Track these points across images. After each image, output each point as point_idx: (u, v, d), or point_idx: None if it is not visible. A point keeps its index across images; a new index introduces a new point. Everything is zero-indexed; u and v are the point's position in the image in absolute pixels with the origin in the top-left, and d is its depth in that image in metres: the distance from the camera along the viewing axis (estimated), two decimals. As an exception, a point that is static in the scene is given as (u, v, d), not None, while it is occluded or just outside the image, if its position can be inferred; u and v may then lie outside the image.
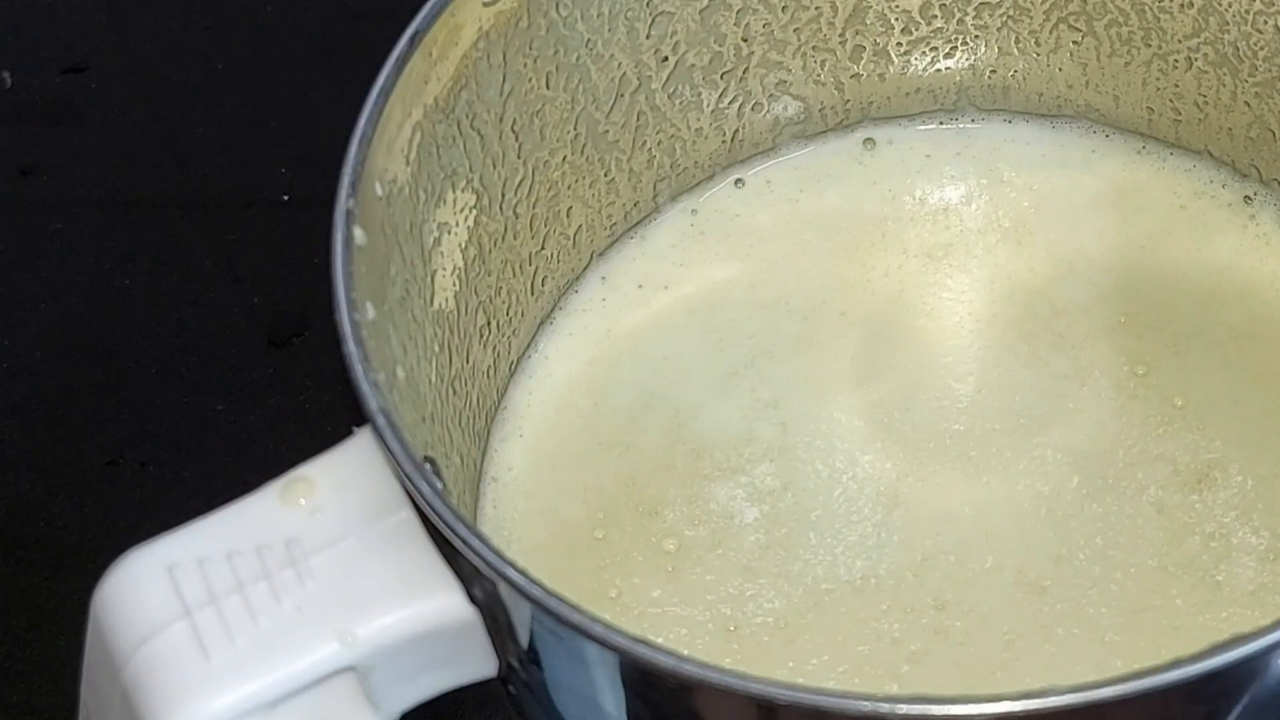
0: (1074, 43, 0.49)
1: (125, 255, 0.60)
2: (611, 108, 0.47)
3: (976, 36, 0.50)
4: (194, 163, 0.62)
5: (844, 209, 0.50)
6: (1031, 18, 0.49)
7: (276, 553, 0.37)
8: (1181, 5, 0.47)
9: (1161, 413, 0.46)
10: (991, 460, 0.45)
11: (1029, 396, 0.46)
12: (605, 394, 0.47)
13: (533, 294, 0.47)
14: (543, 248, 0.47)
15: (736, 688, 0.33)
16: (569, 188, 0.47)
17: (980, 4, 0.49)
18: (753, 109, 0.50)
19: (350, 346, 0.37)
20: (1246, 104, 0.48)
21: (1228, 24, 0.47)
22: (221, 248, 0.60)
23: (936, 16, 0.49)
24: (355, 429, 0.38)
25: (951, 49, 0.50)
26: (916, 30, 0.50)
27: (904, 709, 0.33)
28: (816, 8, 0.49)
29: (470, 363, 0.45)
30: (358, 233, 0.39)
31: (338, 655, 0.37)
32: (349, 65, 0.62)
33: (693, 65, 0.48)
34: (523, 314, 0.47)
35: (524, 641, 0.37)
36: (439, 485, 0.37)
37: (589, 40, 0.46)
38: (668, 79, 0.48)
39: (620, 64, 0.47)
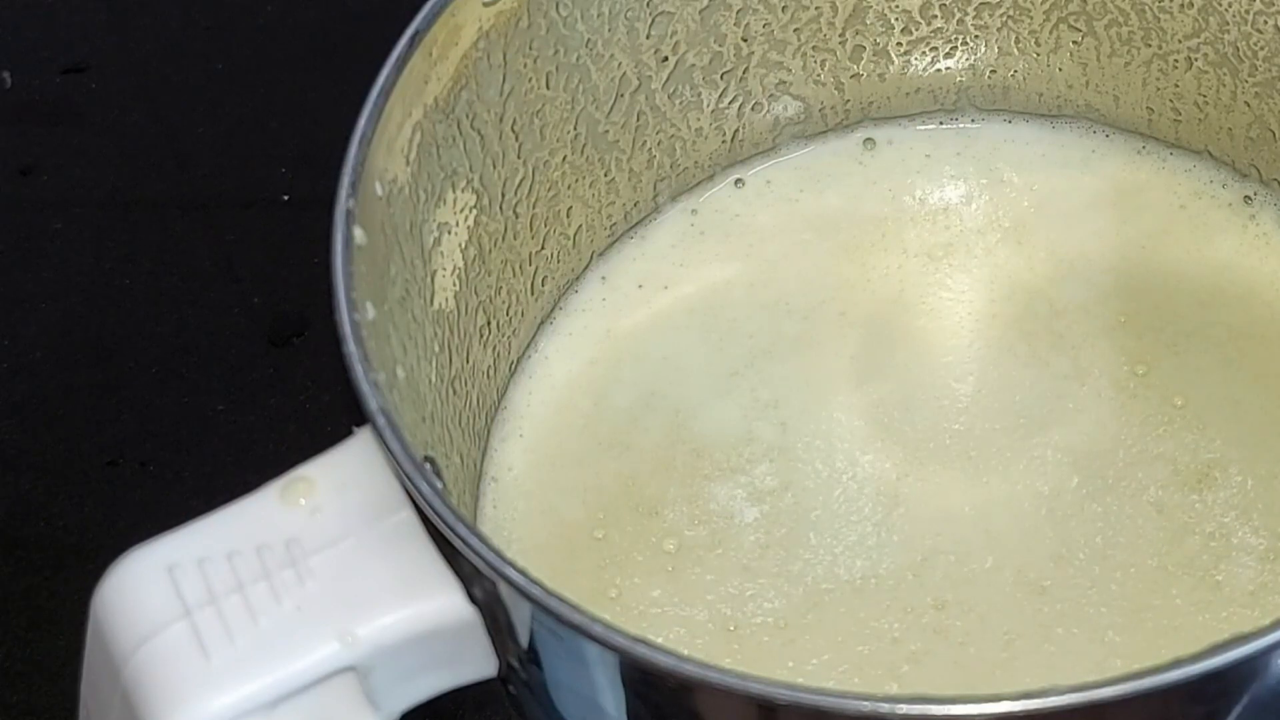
0: (1074, 43, 0.49)
1: (125, 255, 0.60)
2: (611, 108, 0.47)
3: (976, 36, 0.50)
4: (194, 163, 0.62)
5: (844, 209, 0.50)
6: (1031, 18, 0.49)
7: (276, 553, 0.37)
8: (1181, 5, 0.47)
9: (1161, 413, 0.46)
10: (991, 460, 0.45)
11: (1029, 396, 0.46)
12: (605, 394, 0.47)
13: (533, 294, 0.47)
14: (543, 248, 0.47)
15: (736, 688, 0.33)
16: (569, 188, 0.47)
17: (980, 4, 0.49)
18: (753, 109, 0.50)
19: (350, 346, 0.37)
20: (1246, 104, 0.48)
21: (1228, 24, 0.47)
22: (221, 248, 0.60)
23: (936, 16, 0.49)
24: (355, 429, 0.38)
25: (951, 49, 0.50)
26: (916, 30, 0.50)
27: (904, 709, 0.33)
28: (816, 8, 0.49)
29: (470, 363, 0.45)
30: (358, 233, 0.39)
31: (338, 655, 0.37)
32: (349, 65, 0.62)
33: (693, 65, 0.48)
34: (523, 314, 0.47)
35: (524, 641, 0.37)
36: (439, 485, 0.37)
37: (589, 40, 0.46)
38: (668, 79, 0.48)
39: (620, 64, 0.47)
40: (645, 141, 0.48)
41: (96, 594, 0.38)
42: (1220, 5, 0.47)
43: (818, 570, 0.44)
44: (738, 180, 0.50)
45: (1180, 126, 0.49)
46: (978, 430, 0.46)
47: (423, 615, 0.37)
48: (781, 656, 0.43)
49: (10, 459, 0.57)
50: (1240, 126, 0.48)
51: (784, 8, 0.48)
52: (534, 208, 0.47)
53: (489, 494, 0.46)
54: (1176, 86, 0.49)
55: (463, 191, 0.44)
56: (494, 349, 0.46)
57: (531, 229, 0.47)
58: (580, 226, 0.48)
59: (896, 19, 0.49)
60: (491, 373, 0.46)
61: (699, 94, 0.49)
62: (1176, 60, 0.48)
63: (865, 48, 0.50)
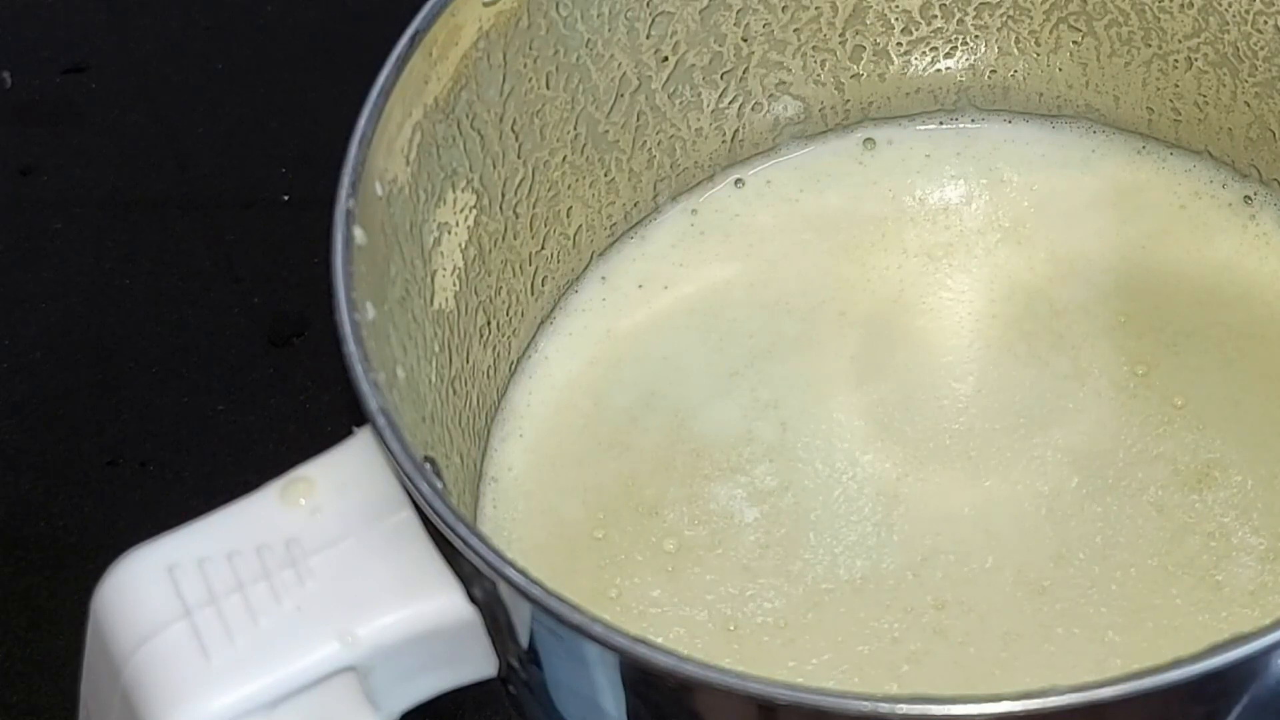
0: (1074, 43, 0.49)
1: (125, 255, 0.60)
2: (611, 108, 0.47)
3: (976, 36, 0.50)
4: (194, 163, 0.62)
5: (844, 209, 0.50)
6: (1031, 18, 0.49)
7: (276, 553, 0.37)
8: (1181, 5, 0.47)
9: (1161, 413, 0.46)
10: (991, 460, 0.45)
11: (1029, 396, 0.46)
12: (605, 394, 0.47)
13: (533, 294, 0.47)
14: (543, 248, 0.47)
15: (736, 688, 0.33)
16: (569, 188, 0.47)
17: (980, 4, 0.49)
18: (753, 109, 0.50)
19: (350, 346, 0.37)
20: (1246, 104, 0.48)
21: (1228, 24, 0.47)
22: (221, 248, 0.60)
23: (936, 16, 0.49)
24: (355, 429, 0.38)
25: (951, 49, 0.50)
26: (916, 30, 0.50)
27: (904, 709, 0.33)
28: (816, 8, 0.49)
29: (470, 363, 0.45)
30: (358, 233, 0.39)
31: (338, 655, 0.37)
32: (349, 65, 0.62)
33: (693, 65, 0.48)
34: (523, 314, 0.47)
35: (524, 641, 0.37)
36: (439, 485, 0.37)
37: (589, 40, 0.46)
38: (668, 79, 0.48)
39: (620, 64, 0.47)
40: (645, 141, 0.48)
41: (96, 594, 0.38)
42: (1220, 5, 0.47)
43: (818, 570, 0.44)
44: (738, 180, 0.50)
45: (1180, 126, 0.49)
46: (978, 430, 0.46)
47: (423, 615, 0.37)
48: (781, 656, 0.43)
49: (10, 459, 0.57)
50: (1240, 126, 0.48)
51: (784, 8, 0.48)
52: (534, 208, 0.47)
53: (489, 494, 0.46)
54: (1176, 86, 0.49)
55: (463, 191, 0.44)
56: (494, 349, 0.46)
57: (531, 229, 0.47)
58: (580, 226, 0.48)
59: (896, 19, 0.49)
60: (491, 373, 0.46)
61: (699, 94, 0.49)
62: (1176, 60, 0.48)
63: (865, 48, 0.50)
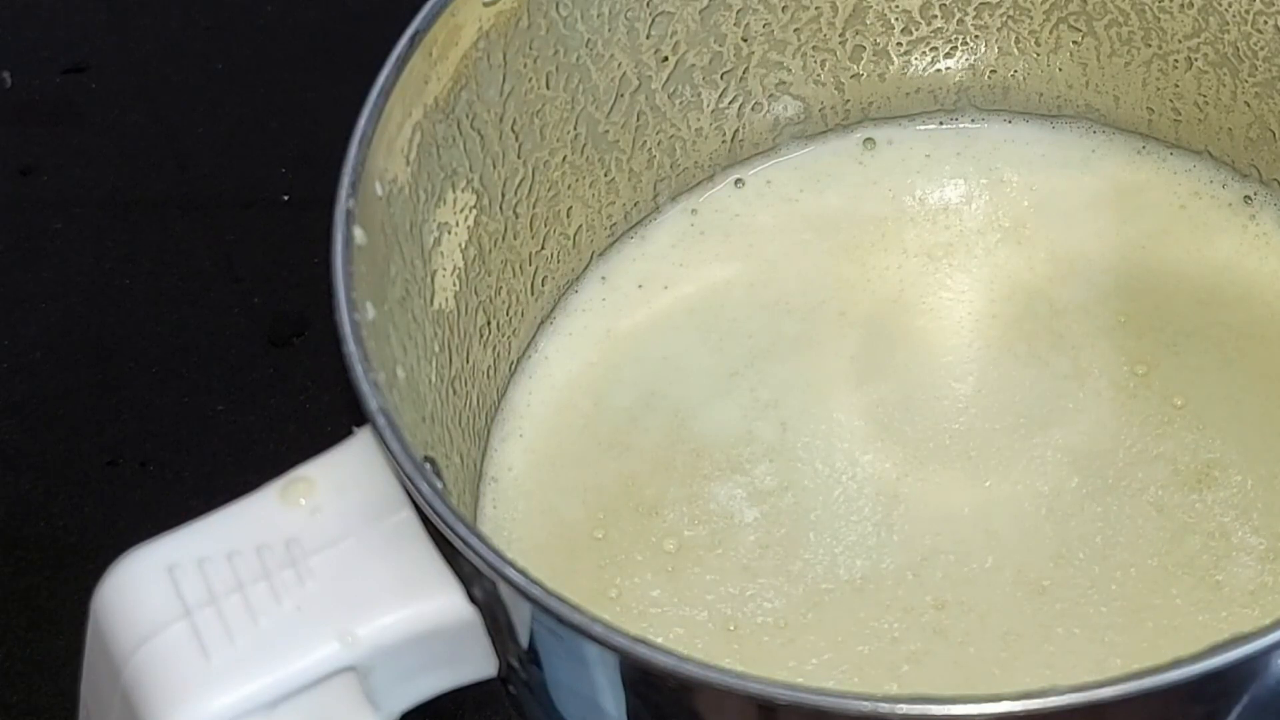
0: (1074, 43, 0.49)
1: (125, 255, 0.60)
2: (611, 108, 0.47)
3: (976, 36, 0.50)
4: (194, 163, 0.62)
5: (844, 209, 0.50)
6: (1031, 18, 0.49)
7: (276, 553, 0.37)
8: (1181, 5, 0.47)
9: (1161, 413, 0.46)
10: (991, 460, 0.45)
11: (1029, 396, 0.46)
12: (605, 394, 0.47)
13: (533, 294, 0.47)
14: (543, 248, 0.47)
15: (736, 688, 0.33)
16: (569, 188, 0.47)
17: (980, 4, 0.49)
18: (753, 109, 0.50)
19: (350, 346, 0.37)
20: (1246, 104, 0.48)
21: (1228, 24, 0.47)
22: (221, 248, 0.60)
23: (936, 16, 0.49)
24: (355, 429, 0.38)
25: (951, 49, 0.50)
26: (916, 30, 0.50)
27: (904, 709, 0.33)
28: (816, 8, 0.49)
29: (470, 363, 0.45)
30: (358, 233, 0.39)
31: (338, 655, 0.37)
32: (349, 65, 0.62)
33: (693, 65, 0.48)
34: (523, 314, 0.47)
35: (524, 641, 0.37)
36: (439, 485, 0.37)
37: (589, 40, 0.46)
38: (668, 79, 0.48)
39: (620, 64, 0.47)
40: (645, 141, 0.48)
41: (96, 594, 0.38)
42: (1220, 5, 0.47)
43: (818, 570, 0.44)
44: (738, 180, 0.50)
45: (1180, 126, 0.49)
46: (978, 430, 0.46)
47: (423, 615, 0.37)
48: (781, 656, 0.43)
49: (10, 459, 0.57)
50: (1240, 126, 0.48)
51: (784, 8, 0.48)
52: (534, 208, 0.47)
53: (489, 494, 0.46)
54: (1176, 86, 0.49)
55: (463, 191, 0.44)
56: (494, 349, 0.46)
57: (531, 229, 0.47)
58: (580, 226, 0.48)
59: (896, 19, 0.49)
60: (491, 373, 0.46)
61: (699, 94, 0.49)
62: (1176, 60, 0.48)
63: (865, 48, 0.50)
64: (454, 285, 0.44)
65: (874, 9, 0.49)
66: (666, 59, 0.48)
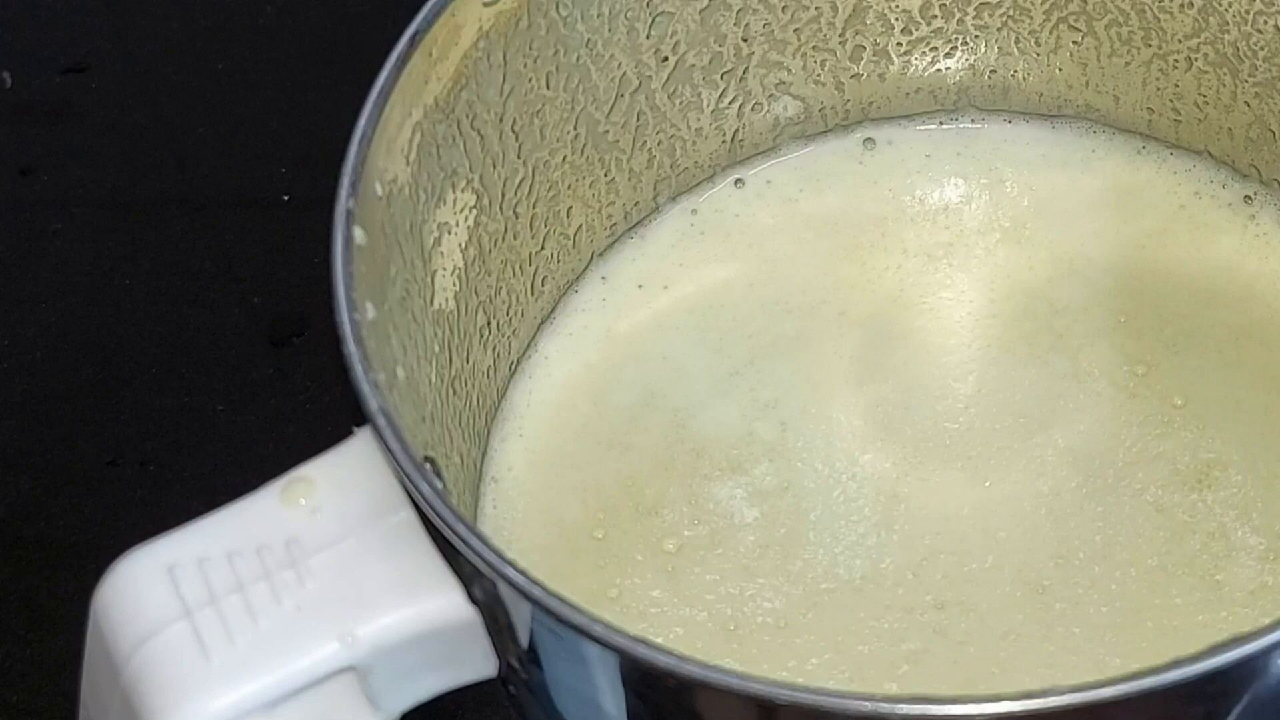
0: (1074, 43, 0.49)
1: (125, 255, 0.60)
2: (611, 108, 0.47)
3: (976, 36, 0.50)
4: (194, 163, 0.62)
5: (844, 209, 0.50)
6: (1031, 18, 0.49)
7: (276, 553, 0.37)
8: (1181, 5, 0.47)
9: (1161, 412, 0.46)
10: (991, 460, 0.45)
11: (1029, 396, 0.46)
12: (605, 394, 0.47)
13: (533, 294, 0.47)
14: (543, 248, 0.47)
15: (736, 688, 0.33)
16: (569, 188, 0.47)
17: (980, 4, 0.49)
18: (753, 109, 0.50)
19: (350, 346, 0.37)
20: (1246, 104, 0.48)
21: (1228, 24, 0.47)
22: (221, 248, 0.60)
23: (936, 16, 0.49)
24: (355, 429, 0.38)
25: (951, 49, 0.50)
26: (916, 30, 0.50)
27: (904, 709, 0.33)
28: (816, 8, 0.49)
29: (470, 363, 0.45)
30: (358, 233, 0.39)
31: (338, 655, 0.37)
32: (349, 65, 0.62)
33: (693, 65, 0.48)
34: (523, 314, 0.47)
35: (524, 641, 0.37)
36: (439, 485, 0.37)
37: (589, 40, 0.46)
38: (668, 79, 0.48)
39: (620, 64, 0.47)
40: (645, 141, 0.48)
41: (96, 594, 0.38)
42: (1220, 5, 0.47)
43: (817, 570, 0.44)
44: (738, 180, 0.50)
45: (1180, 126, 0.49)
46: (977, 430, 0.46)
47: (423, 615, 0.37)
48: (781, 656, 0.43)
49: (10, 459, 0.56)
50: (1240, 126, 0.48)
51: (784, 8, 0.48)
52: (534, 208, 0.47)
53: (489, 494, 0.46)
54: (1176, 86, 0.49)
55: (463, 191, 0.44)
56: (494, 349, 0.46)
57: (531, 229, 0.47)
58: (580, 226, 0.48)
59: (896, 19, 0.49)
60: (491, 373, 0.46)
61: (699, 94, 0.49)
62: (1176, 60, 0.48)
63: (865, 48, 0.50)
64: (454, 285, 0.44)
65: (874, 9, 0.49)
66: (666, 59, 0.48)
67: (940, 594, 0.43)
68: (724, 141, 0.50)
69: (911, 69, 0.50)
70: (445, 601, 0.37)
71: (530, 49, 0.44)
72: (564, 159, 0.47)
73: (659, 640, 0.37)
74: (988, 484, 0.45)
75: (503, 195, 0.45)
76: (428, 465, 0.40)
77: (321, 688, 0.37)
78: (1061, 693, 0.33)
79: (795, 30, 0.49)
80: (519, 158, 0.46)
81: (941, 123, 0.51)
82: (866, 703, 0.33)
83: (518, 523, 0.45)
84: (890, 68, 0.50)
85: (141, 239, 0.61)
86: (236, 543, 0.38)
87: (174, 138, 0.63)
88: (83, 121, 0.63)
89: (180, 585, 0.37)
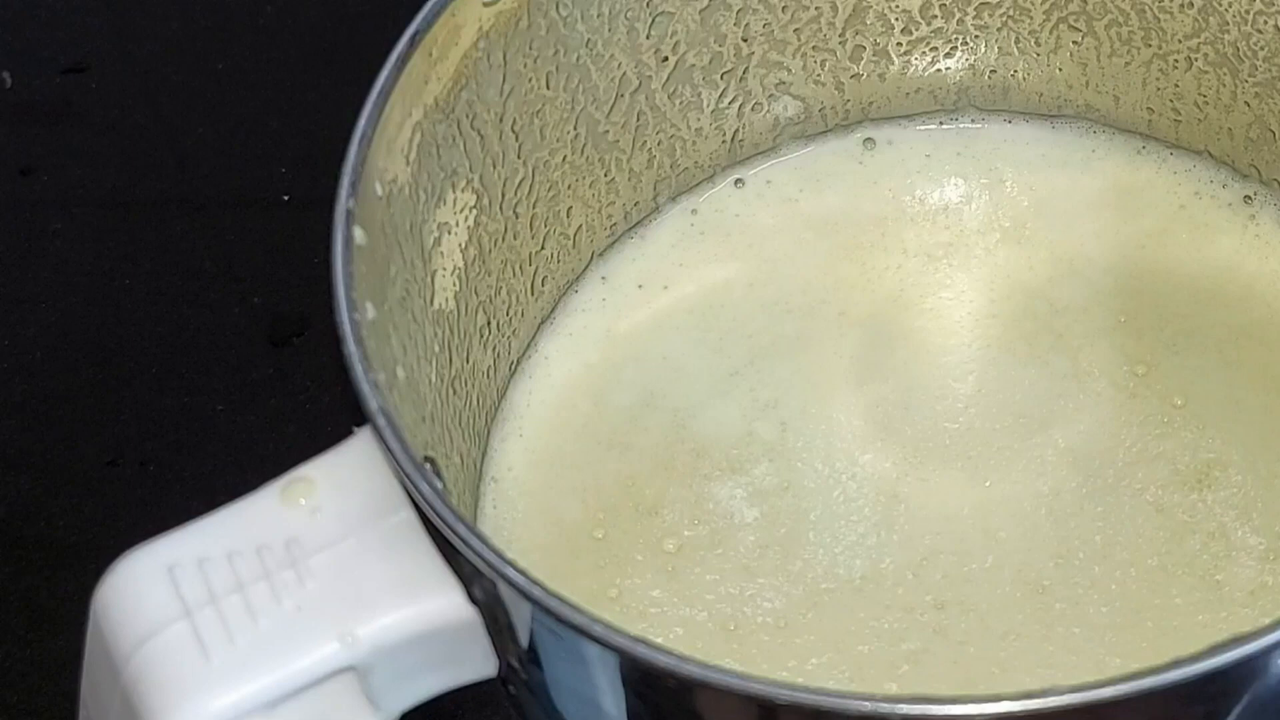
0: (1074, 43, 0.49)
1: (125, 255, 0.60)
2: (611, 108, 0.47)
3: (976, 36, 0.50)
4: (194, 163, 0.62)
5: (844, 209, 0.50)
6: (1031, 18, 0.49)
7: (276, 553, 0.37)
8: (1181, 5, 0.47)
9: (1161, 412, 0.46)
10: (991, 460, 0.45)
11: (1029, 396, 0.46)
12: (605, 394, 0.47)
13: (533, 294, 0.47)
14: (543, 248, 0.47)
15: (736, 688, 0.33)
16: (569, 188, 0.47)
17: (980, 4, 0.49)
18: (753, 109, 0.50)
19: (350, 346, 0.37)
20: (1246, 104, 0.48)
21: (1228, 24, 0.47)
22: (221, 248, 0.60)
23: (936, 16, 0.49)
24: (355, 429, 0.38)
25: (951, 49, 0.50)
26: (916, 30, 0.50)
27: (904, 709, 0.33)
28: (816, 8, 0.49)
29: (470, 363, 0.45)
30: (358, 233, 0.39)
31: (338, 655, 0.37)
32: (349, 65, 0.62)
33: (693, 65, 0.48)
34: (523, 314, 0.47)
35: (524, 641, 0.37)
36: (439, 485, 0.37)
37: (589, 40, 0.46)
38: (668, 79, 0.48)
39: (620, 64, 0.47)
40: (645, 141, 0.48)
41: (96, 594, 0.38)
42: (1220, 5, 0.47)
43: (817, 570, 0.44)
44: (738, 180, 0.50)
45: (1180, 126, 0.49)
46: (977, 430, 0.46)
47: (423, 615, 0.37)
48: (781, 656, 0.43)
49: (10, 459, 0.57)
50: (1240, 126, 0.48)
51: (784, 8, 0.48)
52: (534, 208, 0.47)
53: (489, 494, 0.46)
54: (1176, 86, 0.49)
55: (463, 191, 0.44)
56: (494, 349, 0.46)
57: (531, 229, 0.47)
58: (580, 226, 0.48)
59: (896, 19, 0.49)
60: (491, 373, 0.46)
61: (699, 94, 0.49)
62: (1176, 60, 0.48)
63: (865, 48, 0.50)
64: (454, 285, 0.44)
65: (874, 9, 0.49)
66: (666, 59, 0.48)
67: (940, 594, 0.43)
68: (724, 141, 0.50)
69: (911, 69, 0.50)
70: (445, 601, 0.37)
71: (530, 49, 0.44)
72: (564, 159, 0.47)
73: (659, 640, 0.37)
74: (988, 484, 0.45)
75: (503, 195, 0.45)
76: (428, 465, 0.40)
77: (321, 688, 0.37)
78: (1061, 693, 0.33)
79: (795, 30, 0.49)
80: (519, 158, 0.46)
81: (941, 123, 0.51)
82: (866, 703, 0.33)
83: (518, 523, 0.45)
84: (890, 68, 0.50)
85: (141, 239, 0.61)
86: (236, 543, 0.38)
87: (174, 138, 0.63)
88: (83, 121, 0.63)
89: (180, 585, 0.37)
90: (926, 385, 0.47)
